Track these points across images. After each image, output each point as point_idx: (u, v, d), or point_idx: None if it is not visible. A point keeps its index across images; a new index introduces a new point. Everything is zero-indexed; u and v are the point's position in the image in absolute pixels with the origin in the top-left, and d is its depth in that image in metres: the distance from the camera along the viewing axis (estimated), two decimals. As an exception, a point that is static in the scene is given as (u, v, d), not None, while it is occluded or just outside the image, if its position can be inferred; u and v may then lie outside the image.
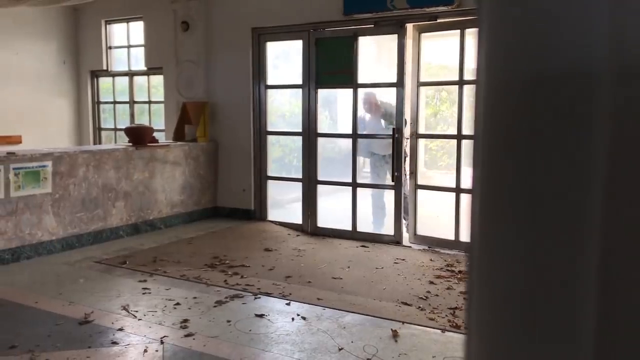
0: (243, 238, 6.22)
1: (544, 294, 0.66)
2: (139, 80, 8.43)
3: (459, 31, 5.57)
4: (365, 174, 6.78)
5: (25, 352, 3.28)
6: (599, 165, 0.62)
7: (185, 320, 3.78)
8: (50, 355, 3.25)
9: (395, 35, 5.97)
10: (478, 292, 0.75)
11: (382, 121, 6.43)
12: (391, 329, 3.66)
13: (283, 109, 7.68)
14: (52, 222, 5.45)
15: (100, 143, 8.78)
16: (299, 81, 6.62)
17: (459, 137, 5.67)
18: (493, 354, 0.74)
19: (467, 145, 5.61)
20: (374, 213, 6.59)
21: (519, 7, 0.68)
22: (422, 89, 6.00)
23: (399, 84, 5.98)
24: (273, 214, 7.08)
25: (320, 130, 6.63)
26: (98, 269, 5.03)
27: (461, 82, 5.60)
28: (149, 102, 8.36)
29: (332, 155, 7.65)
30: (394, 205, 6.13)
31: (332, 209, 6.85)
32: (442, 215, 6.09)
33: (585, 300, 0.63)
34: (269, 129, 7.05)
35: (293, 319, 3.87)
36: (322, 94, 6.67)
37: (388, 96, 6.36)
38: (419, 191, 6.05)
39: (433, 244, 5.90)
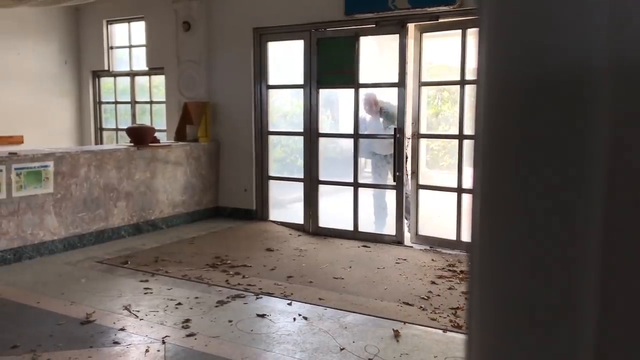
0: (245, 238, 6.22)
1: (545, 294, 0.66)
2: (141, 80, 8.44)
3: (460, 31, 5.57)
4: (366, 174, 6.77)
5: (27, 352, 3.28)
6: (599, 165, 0.62)
7: (187, 320, 3.79)
8: (52, 355, 3.26)
9: (397, 35, 5.97)
10: (479, 292, 0.75)
11: (381, 120, 6.42)
12: (393, 329, 3.66)
13: (284, 109, 7.69)
14: (53, 222, 5.46)
15: (101, 143, 8.79)
16: (301, 81, 6.62)
17: (461, 137, 5.66)
18: (494, 354, 0.74)
19: (468, 145, 5.60)
20: (376, 213, 6.59)
21: (519, 7, 0.68)
22: (424, 89, 5.99)
23: (401, 84, 5.98)
24: (274, 214, 7.09)
25: (321, 130, 6.63)
26: (100, 269, 5.04)
27: (462, 82, 5.59)
28: (151, 102, 8.37)
29: (334, 155, 7.65)
30: (396, 205, 6.13)
31: (334, 209, 6.85)
32: (443, 215, 6.09)
33: (586, 300, 0.63)
34: (271, 129, 7.06)
35: (294, 319, 3.87)
36: (324, 94, 6.67)
37: (388, 96, 6.36)
38: (421, 191, 6.05)
39: (435, 244, 5.90)
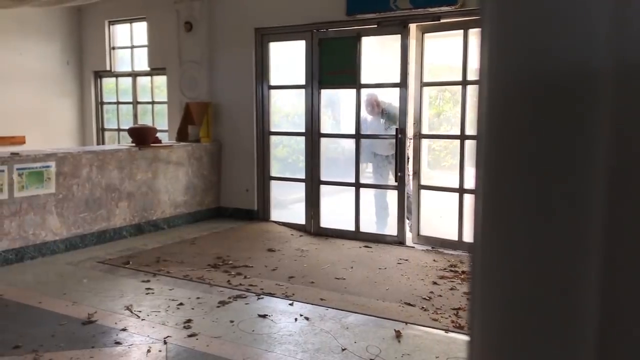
0: (246, 238, 6.22)
1: (546, 295, 0.66)
2: (142, 80, 8.45)
3: (462, 31, 5.56)
4: (368, 175, 6.77)
5: (28, 352, 3.29)
6: (601, 165, 0.62)
7: (189, 321, 3.79)
8: (53, 355, 3.26)
9: (399, 36, 5.97)
10: (481, 292, 0.75)
11: (382, 121, 6.42)
12: (394, 330, 3.66)
13: (286, 109, 7.69)
14: (55, 222, 5.47)
15: (103, 143, 8.80)
16: (302, 81, 6.62)
17: (462, 137, 5.66)
18: (496, 354, 0.73)
19: (470, 146, 5.60)
20: (377, 213, 6.59)
21: (522, 7, 0.68)
22: (425, 89, 5.99)
23: (402, 85, 5.98)
24: (276, 215, 7.09)
25: (323, 130, 6.63)
26: (101, 269, 5.04)
27: (464, 83, 5.59)
28: (152, 103, 8.38)
29: (335, 156, 7.66)
30: (397, 205, 6.13)
31: (335, 210, 6.85)
32: (445, 215, 6.09)
33: (588, 301, 0.63)
34: (272, 129, 7.06)
35: (296, 319, 3.87)
36: (325, 94, 6.67)
37: (389, 97, 6.36)
38: (422, 191, 6.04)
39: (436, 244, 5.89)
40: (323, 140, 6.64)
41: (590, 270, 0.63)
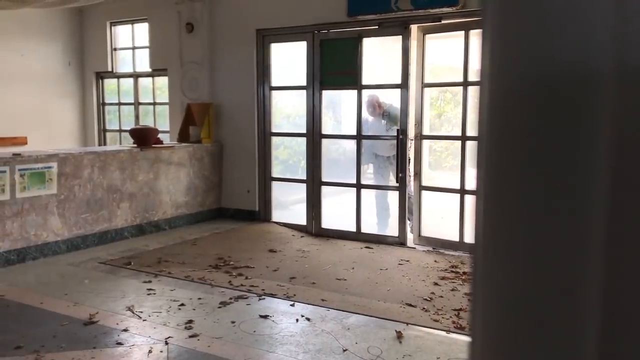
0: (247, 239, 6.22)
1: (548, 295, 0.66)
2: (144, 81, 8.45)
3: (463, 32, 5.57)
4: (369, 176, 6.78)
5: (30, 353, 3.29)
6: (602, 166, 0.62)
7: (190, 321, 3.79)
8: (55, 356, 3.26)
9: (400, 37, 5.97)
10: (482, 293, 0.75)
11: (383, 122, 6.42)
12: (395, 330, 3.66)
13: (287, 110, 7.69)
14: (57, 223, 5.47)
15: (105, 144, 8.81)
16: (304, 82, 6.62)
17: (464, 138, 5.66)
18: (497, 355, 0.74)
19: (471, 147, 5.60)
20: (378, 214, 6.59)
21: (523, 9, 0.68)
22: (427, 90, 5.99)
23: (404, 85, 5.98)
24: (277, 215, 7.09)
25: (324, 131, 6.63)
26: (103, 269, 5.05)
27: (465, 84, 5.59)
28: (154, 104, 8.38)
29: (337, 157, 7.66)
30: (399, 206, 6.13)
31: (337, 210, 6.85)
32: (446, 216, 6.09)
33: (589, 301, 0.63)
34: (274, 130, 7.06)
35: (297, 320, 3.87)
36: (327, 95, 6.67)
37: (390, 98, 6.37)
38: (424, 192, 6.04)
39: (437, 245, 5.89)
40: (324, 141, 6.64)
41: (591, 271, 0.63)
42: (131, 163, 6.22)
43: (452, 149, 6.34)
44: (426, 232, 6.05)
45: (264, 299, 4.29)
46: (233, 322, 3.79)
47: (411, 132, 6.07)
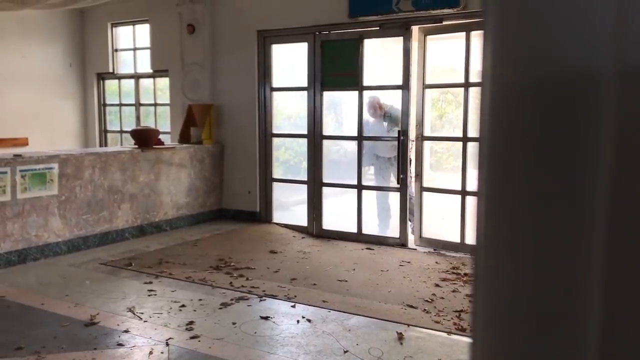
0: (248, 240, 6.22)
1: (549, 296, 0.66)
2: (145, 82, 8.46)
3: (464, 33, 5.56)
4: (370, 177, 6.77)
5: (31, 354, 3.29)
6: (604, 167, 0.62)
7: (191, 322, 3.79)
8: (55, 357, 3.26)
9: (401, 38, 5.97)
10: (484, 294, 0.75)
11: (385, 124, 6.42)
12: (396, 332, 3.65)
13: (288, 111, 7.69)
14: (58, 224, 5.47)
15: (106, 145, 8.82)
16: (305, 83, 6.62)
17: (465, 139, 5.66)
18: (498, 356, 0.73)
19: (472, 148, 5.60)
20: (379, 215, 6.59)
21: (525, 10, 0.68)
22: (428, 91, 5.99)
23: (405, 87, 5.98)
24: (278, 216, 7.09)
25: (325, 132, 6.63)
26: (104, 270, 5.05)
27: (467, 85, 5.59)
28: (155, 105, 8.39)
29: (338, 158, 7.66)
30: (400, 207, 6.13)
31: (338, 212, 6.85)
32: (447, 217, 6.08)
33: (591, 301, 0.63)
34: (275, 131, 7.06)
35: (298, 321, 3.87)
36: (328, 96, 6.68)
37: (391, 99, 6.37)
38: (425, 193, 6.04)
39: (439, 246, 5.89)
40: (325, 142, 6.64)
41: (592, 271, 0.63)
42: (132, 164, 6.22)
43: (453, 150, 6.33)
44: (427, 233, 6.04)
45: (264, 300, 4.28)
46: (234, 324, 3.79)
47: (412, 133, 6.07)
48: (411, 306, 4.17)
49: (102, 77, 8.82)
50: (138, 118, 8.52)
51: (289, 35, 6.74)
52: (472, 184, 5.49)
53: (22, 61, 8.05)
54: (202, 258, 5.42)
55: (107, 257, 5.44)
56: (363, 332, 3.69)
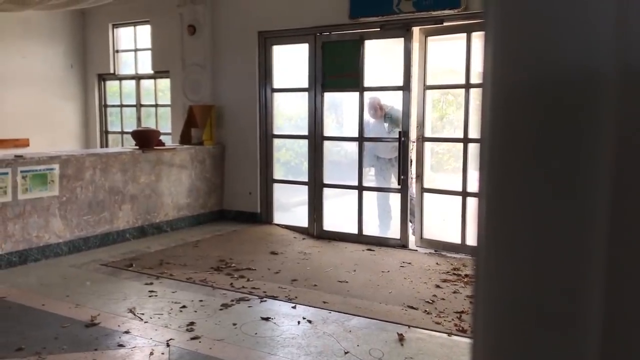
0: (249, 241, 6.22)
1: (550, 298, 0.66)
2: (146, 83, 8.47)
3: (465, 34, 5.57)
4: (370, 178, 6.77)
5: (32, 355, 3.29)
6: (605, 168, 0.62)
7: (192, 323, 3.79)
8: (56, 358, 3.26)
9: (402, 39, 5.97)
10: (484, 295, 0.75)
11: (385, 125, 6.42)
12: (397, 333, 3.65)
13: (289, 112, 7.69)
14: (59, 224, 5.48)
15: (107, 146, 8.82)
16: (305, 84, 6.63)
17: (465, 140, 5.66)
18: (499, 358, 0.73)
19: (473, 149, 5.60)
20: (380, 216, 6.59)
21: (525, 10, 0.68)
22: (429, 92, 5.99)
23: (405, 88, 5.98)
24: (279, 217, 7.09)
25: (326, 133, 6.64)
26: (104, 271, 5.05)
27: (467, 86, 5.59)
28: (156, 106, 8.39)
29: (338, 159, 7.66)
30: (400, 208, 6.13)
31: (338, 213, 6.85)
32: (448, 218, 6.08)
33: (592, 303, 0.63)
34: (275, 132, 7.07)
35: (299, 322, 3.87)
36: (328, 97, 6.68)
37: (392, 100, 6.37)
38: (425, 194, 6.04)
39: (439, 247, 5.89)
40: (326, 143, 6.64)
41: (593, 272, 0.63)
42: (133, 165, 6.23)
43: (454, 151, 6.33)
44: (428, 234, 6.04)
45: (265, 301, 4.28)
46: (234, 324, 3.79)
47: (413, 134, 6.07)
48: (412, 307, 4.17)
49: (103, 78, 8.83)
50: (139, 119, 8.52)
51: (289, 36, 6.75)
52: (473, 185, 5.49)
53: (23, 62, 8.06)
54: (202, 259, 5.42)
55: (107, 258, 5.44)
56: (364, 333, 3.69)
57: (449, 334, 3.68)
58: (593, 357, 0.63)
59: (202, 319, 3.89)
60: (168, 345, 3.44)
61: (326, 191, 6.68)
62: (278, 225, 6.95)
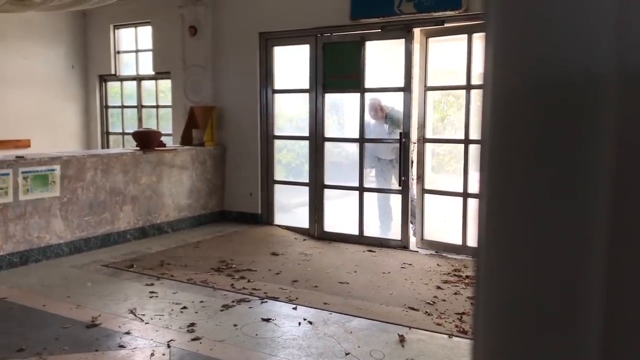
0: (250, 242, 6.22)
1: (551, 299, 0.66)
2: (147, 84, 8.47)
3: (466, 35, 5.57)
4: (371, 179, 6.77)
5: (33, 356, 3.29)
6: (606, 168, 0.62)
7: (192, 324, 3.79)
8: (57, 359, 3.26)
9: (403, 40, 5.97)
10: (485, 297, 0.75)
11: (385, 126, 6.42)
12: (398, 334, 3.65)
13: (290, 113, 7.70)
14: (60, 225, 5.48)
15: (108, 147, 8.83)
16: (306, 85, 6.63)
17: (466, 141, 5.66)
18: (500, 359, 0.73)
19: (474, 150, 5.59)
20: (381, 217, 6.59)
21: (526, 12, 0.68)
22: (430, 93, 5.99)
23: (406, 89, 5.98)
24: (280, 218, 7.09)
25: (327, 134, 6.64)
26: (105, 272, 5.05)
27: (468, 87, 5.59)
28: (157, 107, 8.40)
29: (339, 160, 7.66)
30: (401, 209, 6.12)
31: (339, 214, 6.84)
32: (449, 220, 6.08)
33: (593, 303, 0.63)
34: (276, 133, 7.07)
35: (299, 323, 3.87)
36: (329, 98, 6.68)
37: (393, 101, 6.36)
38: (426, 196, 6.04)
39: (440, 248, 5.88)
40: (327, 144, 6.64)
41: (594, 272, 0.63)
42: (134, 166, 6.23)
43: (455, 152, 6.32)
44: (429, 235, 6.04)
45: (266, 302, 4.28)
46: (235, 326, 3.79)
47: (414, 136, 6.07)
48: (413, 308, 4.17)
49: (104, 79, 8.83)
50: (140, 120, 8.53)
51: (290, 37, 6.75)
52: (474, 186, 5.49)
53: (24, 63, 8.07)
54: (203, 260, 5.43)
55: (108, 259, 5.44)
56: (364, 334, 3.69)
57: (450, 335, 3.67)
58: (594, 358, 0.63)
59: (203, 320, 3.89)
60: (169, 346, 3.44)
61: (327, 192, 6.68)
62: (279, 226, 6.95)
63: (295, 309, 4.15)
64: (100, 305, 4.15)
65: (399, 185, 6.11)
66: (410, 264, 5.40)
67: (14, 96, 7.91)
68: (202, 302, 4.25)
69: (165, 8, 7.62)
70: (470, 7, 5.53)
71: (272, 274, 5.02)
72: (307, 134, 6.69)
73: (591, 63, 0.63)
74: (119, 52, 8.64)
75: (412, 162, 6.11)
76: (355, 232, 6.36)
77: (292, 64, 7.27)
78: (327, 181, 6.63)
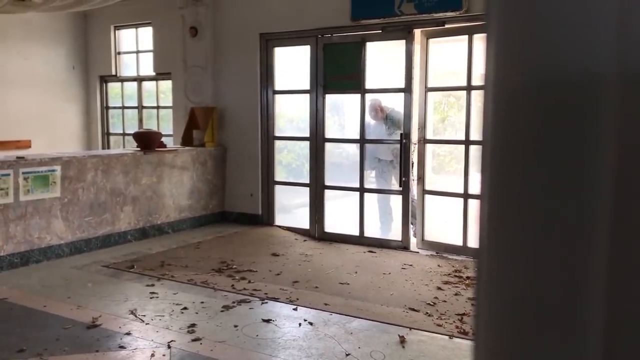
0: (250, 243, 6.22)
1: (552, 299, 0.66)
2: (148, 85, 8.48)
3: (467, 36, 5.57)
4: (371, 180, 6.77)
5: (33, 356, 3.29)
6: (607, 168, 0.62)
7: (193, 325, 3.79)
8: (58, 359, 3.26)
9: (403, 41, 5.97)
10: (486, 298, 0.75)
11: (385, 126, 6.42)
12: (398, 335, 3.65)
13: (291, 114, 7.70)
14: (60, 226, 5.48)
15: (108, 148, 8.83)
16: (307, 86, 6.63)
17: (467, 142, 5.65)
18: (502, 359, 0.73)
19: (475, 151, 5.59)
20: (381, 218, 6.59)
21: (527, 12, 0.68)
22: (430, 94, 5.99)
23: (407, 90, 5.98)
24: (280, 219, 7.09)
25: (327, 135, 6.64)
26: (106, 273, 5.05)
27: (469, 88, 5.59)
28: (157, 107, 8.40)
29: (340, 160, 7.66)
30: (402, 210, 6.12)
31: (340, 214, 6.84)
32: (450, 220, 6.07)
33: (594, 303, 0.63)
34: (277, 134, 7.07)
35: (300, 324, 3.87)
36: (330, 99, 6.68)
37: (393, 102, 6.36)
38: (427, 196, 6.04)
39: (441, 249, 5.88)
40: (327, 145, 6.64)
41: (595, 272, 0.63)
42: (135, 166, 6.23)
43: (455, 153, 6.32)
44: (429, 236, 6.04)
45: (266, 303, 4.28)
46: (236, 326, 3.79)
47: (414, 136, 6.07)
48: (413, 309, 4.17)
49: (105, 79, 8.84)
50: (140, 121, 8.53)
51: (291, 38, 6.75)
52: (475, 187, 5.49)
53: (25, 64, 8.07)
54: (204, 261, 5.43)
55: (109, 260, 5.44)
56: (365, 335, 3.69)
57: (451, 336, 3.67)
58: (595, 358, 0.63)
59: (203, 320, 3.89)
60: (169, 347, 3.44)
61: (327, 193, 6.68)
62: (279, 227, 6.95)
63: (295, 309, 4.15)
64: (100, 305, 4.15)
65: (400, 186, 6.11)
66: (410, 265, 5.39)
67: (15, 97, 7.92)
68: (202, 302, 4.25)
69: (166, 9, 7.62)
70: (471, 8, 5.53)
71: (273, 274, 5.02)
72: (307, 134, 6.69)
73: (591, 63, 0.63)
74: (119, 53, 8.65)
75: (412, 163, 6.11)
76: (356, 232, 6.36)
77: (292, 64, 7.27)
78: (328, 182, 6.63)
